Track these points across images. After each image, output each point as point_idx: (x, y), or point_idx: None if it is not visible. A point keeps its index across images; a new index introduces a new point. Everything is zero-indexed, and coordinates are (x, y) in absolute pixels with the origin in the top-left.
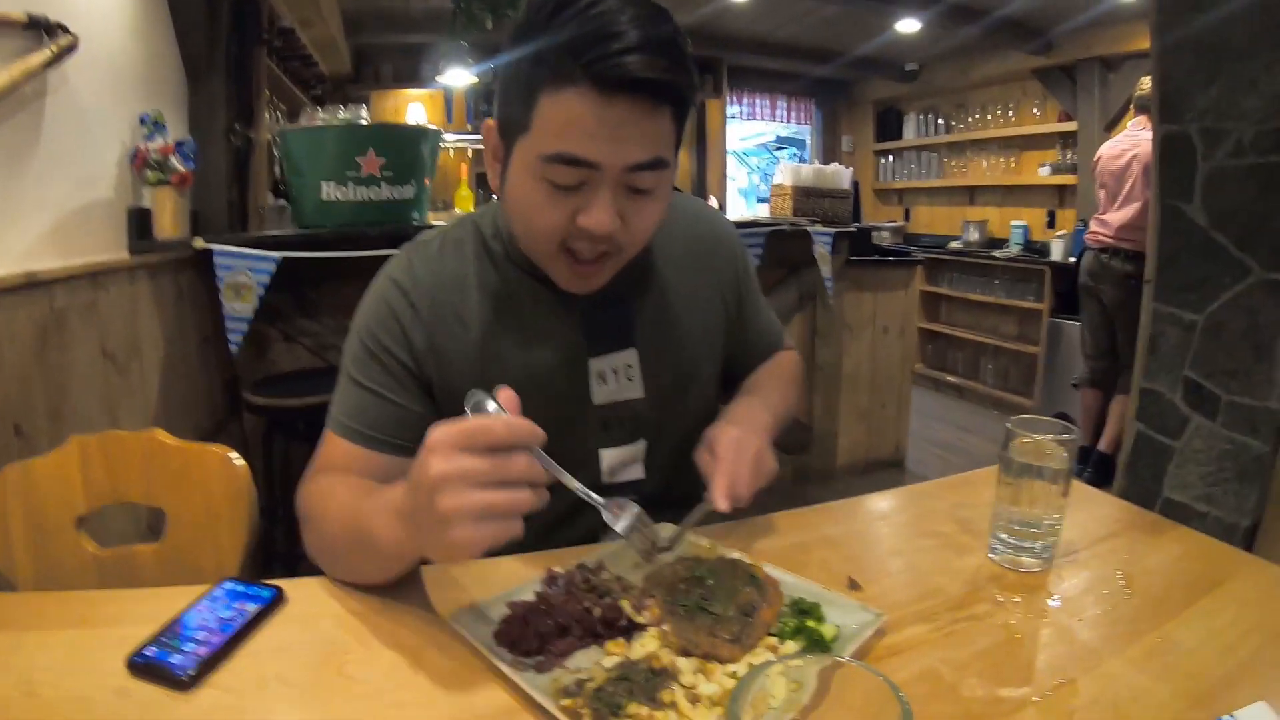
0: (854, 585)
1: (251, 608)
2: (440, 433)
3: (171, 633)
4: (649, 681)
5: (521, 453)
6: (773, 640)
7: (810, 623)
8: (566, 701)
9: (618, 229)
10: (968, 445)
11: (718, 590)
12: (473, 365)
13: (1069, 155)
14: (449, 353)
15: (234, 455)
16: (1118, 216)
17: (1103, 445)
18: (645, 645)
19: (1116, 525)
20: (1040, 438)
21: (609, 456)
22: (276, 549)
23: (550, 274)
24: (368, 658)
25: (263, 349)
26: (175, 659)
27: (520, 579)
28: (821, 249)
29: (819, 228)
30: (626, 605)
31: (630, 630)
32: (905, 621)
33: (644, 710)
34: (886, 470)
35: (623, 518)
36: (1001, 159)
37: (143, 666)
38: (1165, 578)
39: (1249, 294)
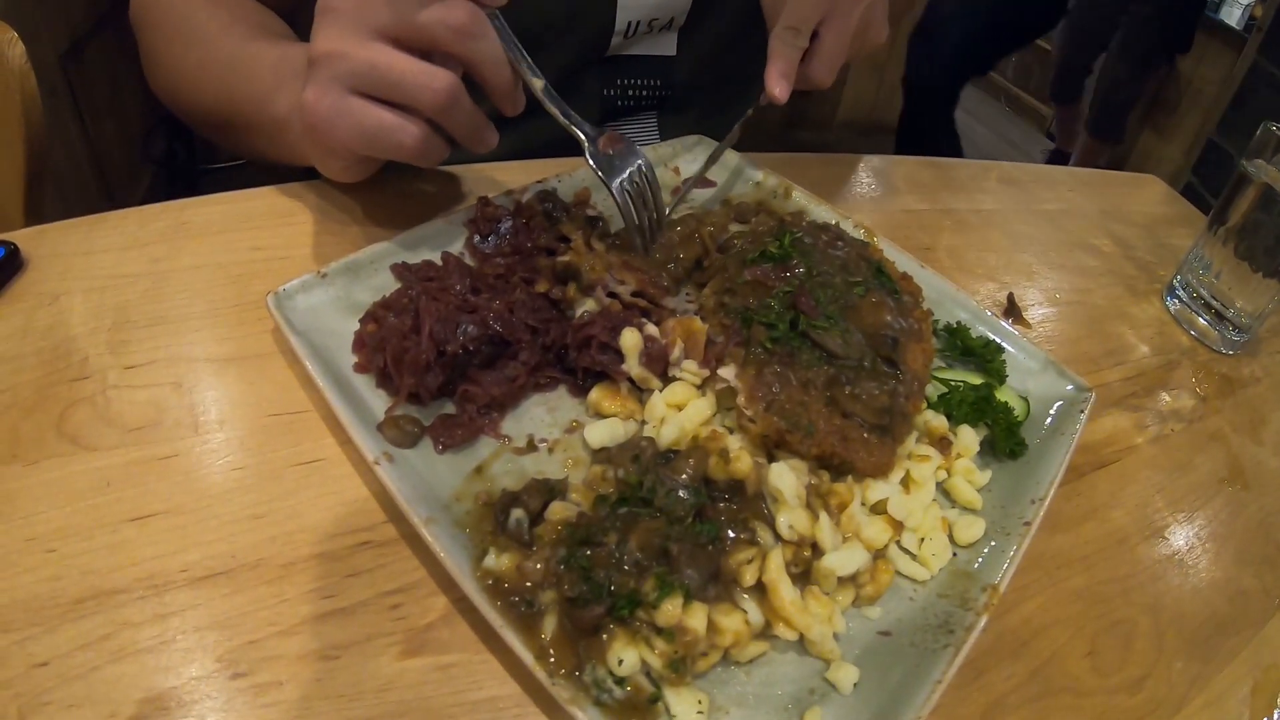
0: (1013, 310)
1: None
2: None
3: None
4: (699, 521)
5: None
6: (938, 421)
7: (996, 387)
8: (498, 561)
9: None
10: (973, 134)
11: (822, 294)
12: None
13: None
14: None
15: (8, 32)
16: None
17: None
18: (677, 406)
19: None
20: None
21: (630, 7)
22: (179, 163)
23: None
24: (125, 395)
25: None
26: None
27: (425, 211)
28: None
29: None
30: (627, 342)
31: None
32: (1102, 400)
33: (692, 611)
34: (890, 136)
35: (616, 163)
36: None
37: None
38: None
39: None
